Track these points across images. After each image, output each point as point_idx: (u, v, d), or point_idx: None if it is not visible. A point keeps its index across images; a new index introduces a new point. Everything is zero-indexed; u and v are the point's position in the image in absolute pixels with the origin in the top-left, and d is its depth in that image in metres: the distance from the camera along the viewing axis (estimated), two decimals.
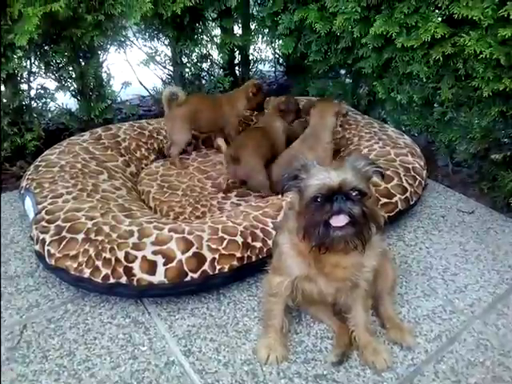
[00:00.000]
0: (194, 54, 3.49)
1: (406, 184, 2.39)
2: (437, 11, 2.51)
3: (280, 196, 2.16)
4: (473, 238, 2.40)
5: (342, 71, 3.65)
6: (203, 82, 3.73)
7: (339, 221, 1.39)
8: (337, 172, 1.42)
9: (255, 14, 3.68)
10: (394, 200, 2.32)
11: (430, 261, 2.23)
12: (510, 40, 2.18)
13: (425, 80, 2.69)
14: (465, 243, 2.36)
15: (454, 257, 2.26)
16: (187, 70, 3.57)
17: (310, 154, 2.43)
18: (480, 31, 2.27)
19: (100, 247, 1.87)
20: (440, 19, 2.53)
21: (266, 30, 3.62)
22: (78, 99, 3.26)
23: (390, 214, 2.30)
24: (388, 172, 2.39)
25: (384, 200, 2.29)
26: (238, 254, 1.94)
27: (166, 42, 3.44)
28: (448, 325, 1.86)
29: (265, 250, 2.01)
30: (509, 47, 2.21)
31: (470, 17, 2.25)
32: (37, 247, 2.01)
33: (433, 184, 2.91)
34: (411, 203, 2.41)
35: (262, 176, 2.50)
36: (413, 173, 2.48)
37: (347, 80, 3.65)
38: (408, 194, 2.38)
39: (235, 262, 1.94)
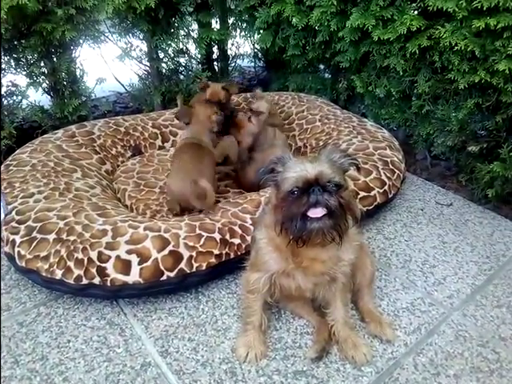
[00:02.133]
0: (171, 48, 3.41)
1: (384, 177, 2.39)
2: (412, 4, 2.51)
3: (258, 191, 2.16)
4: (451, 230, 2.41)
5: (321, 66, 3.64)
6: (181, 77, 3.66)
7: (316, 212, 1.37)
8: (313, 164, 1.40)
9: (232, 7, 3.62)
10: (372, 193, 2.31)
11: (409, 253, 2.23)
12: (485, 32, 2.19)
13: (402, 73, 2.69)
14: (443, 235, 2.37)
15: (433, 249, 2.26)
16: (164, 65, 3.50)
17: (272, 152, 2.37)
18: (455, 23, 2.28)
19: (72, 247, 1.81)
20: (416, 12, 2.53)
21: (244, 24, 3.58)
22: (50, 96, 3.16)
23: (369, 208, 2.30)
24: (366, 166, 2.39)
25: (363, 193, 2.28)
26: (216, 251, 1.91)
27: (141, 37, 3.36)
28: (427, 317, 1.87)
29: (243, 246, 1.98)
30: (483, 39, 2.22)
31: (444, 9, 2.25)
32: (7, 249, 1.94)
33: (411, 177, 2.92)
34: (390, 196, 2.41)
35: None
36: (391, 166, 2.48)
37: (326, 75, 3.64)
38: (386, 188, 2.37)
39: (213, 260, 1.90)
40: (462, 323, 1.84)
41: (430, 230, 2.41)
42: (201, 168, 2.21)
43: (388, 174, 2.41)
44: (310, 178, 1.38)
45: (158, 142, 3.08)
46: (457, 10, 2.21)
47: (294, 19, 2.92)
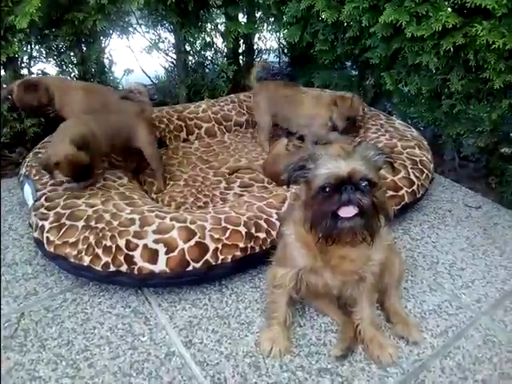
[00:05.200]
0: (198, 41, 3.42)
1: (412, 177, 2.35)
2: (448, 1, 2.45)
3: (286, 187, 2.13)
4: (480, 233, 2.36)
5: (348, 62, 3.59)
6: (206, 70, 3.66)
7: (348, 212, 1.34)
8: (346, 161, 1.37)
9: (261, 1, 3.60)
10: (400, 193, 2.28)
11: (436, 255, 2.19)
12: None
13: (434, 71, 2.63)
14: (472, 238, 2.32)
15: (461, 251, 2.22)
16: (190, 57, 3.51)
17: None
18: (493, 21, 2.21)
19: (100, 235, 1.83)
20: (450, 9, 2.46)
21: (272, 19, 3.55)
22: None
23: (397, 207, 2.26)
24: (395, 165, 2.34)
25: (391, 193, 2.25)
26: (242, 245, 1.90)
27: (170, 29, 3.37)
28: (454, 320, 1.83)
29: (268, 241, 1.97)
30: None
31: (483, 6, 2.18)
32: (35, 234, 1.97)
33: (439, 178, 2.86)
34: (418, 196, 2.36)
35: None
36: (420, 166, 2.43)
37: (353, 71, 3.59)
38: (415, 187, 2.33)
39: (238, 253, 1.89)
40: (490, 328, 1.80)
41: (458, 232, 2.36)
42: None
43: (417, 174, 2.37)
44: (342, 175, 1.35)
45: (183, 135, 3.09)
46: (496, 6, 2.14)
47: (324, 14, 2.88)
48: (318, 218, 1.39)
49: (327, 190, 1.36)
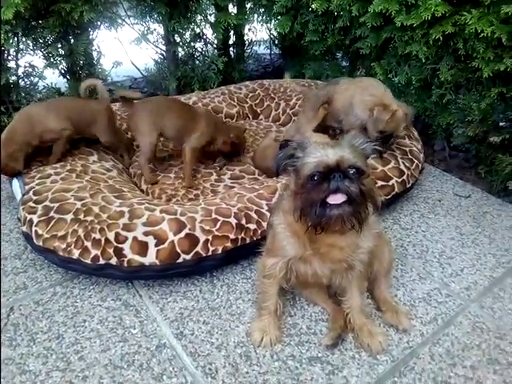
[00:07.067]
0: (188, 32, 3.39)
1: (402, 167, 2.35)
2: None
3: (275, 177, 2.13)
4: (469, 222, 2.37)
5: (339, 53, 3.58)
6: (196, 62, 3.63)
7: (336, 199, 1.34)
8: (334, 149, 1.37)
9: None
10: (390, 183, 2.28)
11: (425, 244, 2.20)
12: None
13: (424, 61, 2.63)
14: (461, 227, 2.33)
15: (451, 240, 2.23)
16: (180, 49, 3.48)
17: None
18: (482, 9, 2.21)
19: (89, 228, 1.81)
20: None
21: (262, 9, 3.53)
22: (67, 78, 3.16)
23: (387, 197, 2.27)
24: (385, 155, 2.35)
25: (381, 183, 2.25)
26: (232, 236, 1.90)
27: (159, 20, 3.33)
28: (444, 308, 1.84)
29: (259, 231, 1.97)
30: (511, 25, 2.15)
31: None
32: (24, 228, 1.96)
33: (429, 168, 2.88)
34: (408, 186, 2.37)
35: None
36: (410, 156, 2.44)
37: (344, 62, 3.59)
38: (405, 177, 2.34)
39: (229, 244, 1.89)
40: (479, 315, 1.82)
41: (448, 221, 2.38)
42: None
43: (407, 164, 2.38)
44: (330, 163, 1.35)
45: None
46: None
47: (314, 4, 2.87)
48: (307, 207, 1.39)
49: (316, 178, 1.36)
